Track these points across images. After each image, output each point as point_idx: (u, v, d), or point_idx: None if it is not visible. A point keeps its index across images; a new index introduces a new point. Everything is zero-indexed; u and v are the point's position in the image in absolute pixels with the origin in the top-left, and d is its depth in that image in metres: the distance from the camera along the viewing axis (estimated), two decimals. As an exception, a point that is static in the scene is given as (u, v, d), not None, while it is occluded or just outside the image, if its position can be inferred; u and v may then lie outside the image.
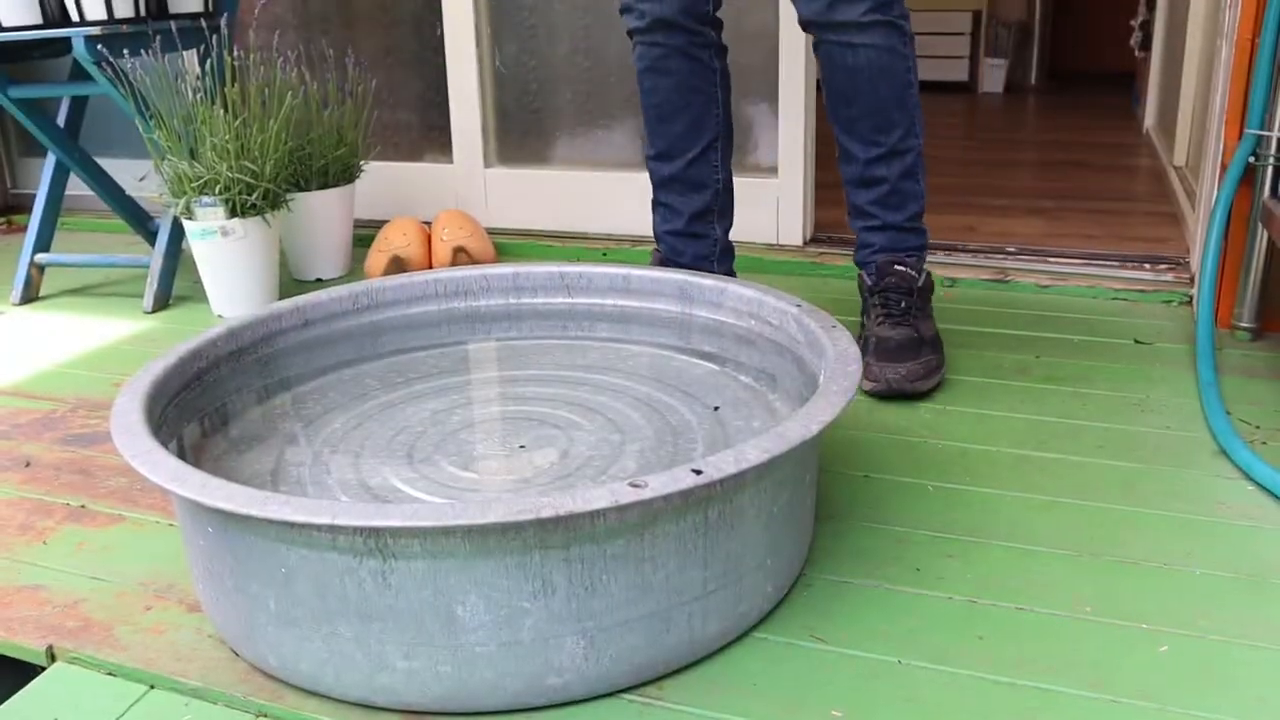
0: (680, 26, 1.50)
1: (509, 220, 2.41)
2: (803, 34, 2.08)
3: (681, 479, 0.79)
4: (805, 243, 2.19)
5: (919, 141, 1.48)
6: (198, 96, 1.89)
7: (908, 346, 1.42)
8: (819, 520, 1.11)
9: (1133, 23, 3.82)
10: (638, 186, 2.26)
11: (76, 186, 2.23)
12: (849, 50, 1.39)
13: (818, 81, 2.22)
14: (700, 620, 0.87)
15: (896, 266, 1.49)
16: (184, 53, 2.03)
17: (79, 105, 2.19)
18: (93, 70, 1.89)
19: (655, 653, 0.86)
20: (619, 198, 2.29)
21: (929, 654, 0.91)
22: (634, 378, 1.26)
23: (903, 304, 1.46)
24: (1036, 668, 0.89)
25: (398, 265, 2.08)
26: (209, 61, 1.98)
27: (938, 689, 0.86)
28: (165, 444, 0.90)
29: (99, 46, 1.85)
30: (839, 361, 1.01)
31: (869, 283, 1.51)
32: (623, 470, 1.04)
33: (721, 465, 0.81)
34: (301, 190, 2.02)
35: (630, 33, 1.56)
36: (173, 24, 1.96)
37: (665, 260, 1.63)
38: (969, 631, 0.94)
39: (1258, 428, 1.32)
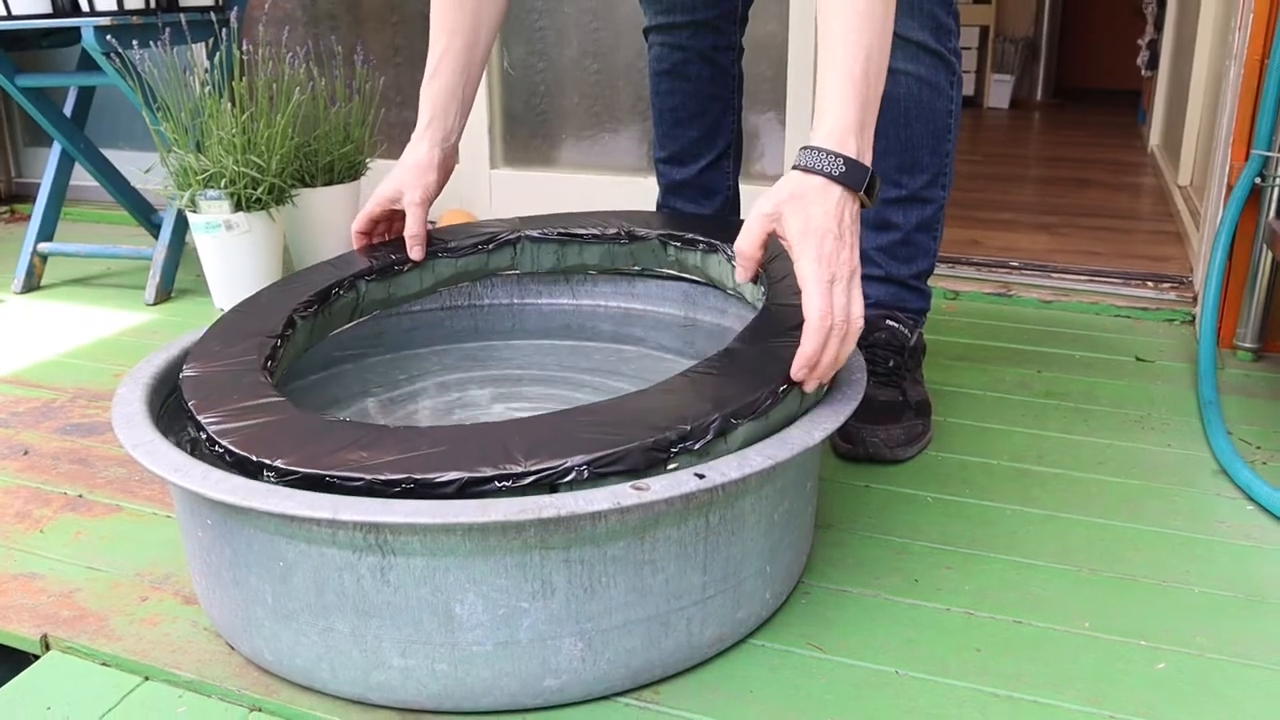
0: (712, 27, 1.46)
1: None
2: (812, 44, 2.08)
3: (684, 482, 0.78)
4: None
5: (944, 195, 1.35)
6: (205, 90, 1.89)
7: (891, 409, 1.27)
8: (818, 529, 1.11)
9: (1140, 42, 3.83)
10: (643, 191, 2.26)
11: (81, 177, 2.23)
12: (890, 75, 1.26)
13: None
14: (699, 625, 0.87)
15: (888, 321, 1.35)
16: (193, 46, 2.03)
17: (86, 95, 2.19)
18: (101, 61, 1.89)
19: (652, 656, 0.86)
20: (624, 202, 2.29)
21: (927, 665, 0.91)
22: (636, 380, 1.26)
23: (890, 362, 1.32)
24: (1035, 682, 0.88)
25: (401, 264, 2.07)
26: (218, 55, 1.98)
27: (935, 700, 0.86)
28: (165, 435, 0.90)
29: (108, 37, 1.85)
30: (843, 370, 1.01)
31: None
32: (623, 473, 1.04)
33: (724, 470, 0.80)
34: (307, 186, 2.02)
35: (649, 30, 1.51)
36: (183, 16, 1.96)
37: (669, 266, 1.63)
38: (967, 644, 0.94)
39: (1258, 448, 1.32)
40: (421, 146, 1.20)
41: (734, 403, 0.85)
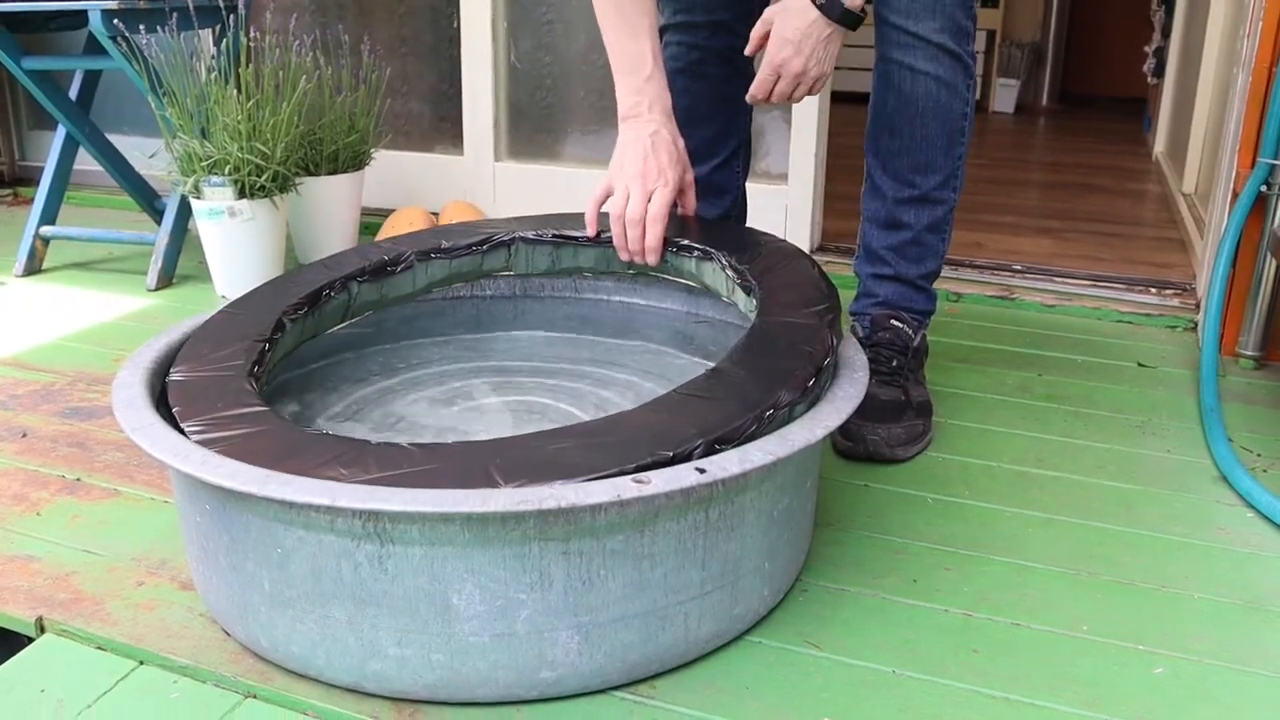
0: (730, 28, 1.45)
1: (516, 215, 2.41)
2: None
3: (685, 476, 0.78)
4: (812, 251, 2.18)
5: (955, 197, 1.36)
6: (212, 76, 1.89)
7: (892, 408, 1.28)
8: (817, 527, 1.11)
9: (1147, 49, 3.83)
10: (647, 187, 2.25)
11: (85, 161, 2.23)
12: (909, 75, 1.29)
13: (832, 94, 2.22)
14: (696, 620, 0.87)
15: (893, 321, 1.37)
16: (200, 32, 2.03)
17: (92, 79, 2.18)
18: (108, 45, 1.88)
19: (649, 651, 0.85)
20: (628, 198, 2.29)
21: (924, 666, 0.90)
22: (638, 374, 1.26)
23: (894, 362, 1.32)
24: (1032, 684, 0.88)
25: (403, 255, 2.07)
26: (224, 41, 1.97)
27: (932, 701, 0.86)
28: (165, 419, 0.90)
29: (115, 21, 1.85)
30: (845, 368, 1.01)
31: (860, 335, 1.39)
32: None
33: (725, 465, 0.80)
34: (311, 175, 2.01)
35: (665, 29, 1.49)
36: (190, 2, 1.96)
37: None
38: (964, 645, 0.93)
39: (1259, 455, 1.31)
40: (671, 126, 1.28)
41: (719, 428, 0.84)
